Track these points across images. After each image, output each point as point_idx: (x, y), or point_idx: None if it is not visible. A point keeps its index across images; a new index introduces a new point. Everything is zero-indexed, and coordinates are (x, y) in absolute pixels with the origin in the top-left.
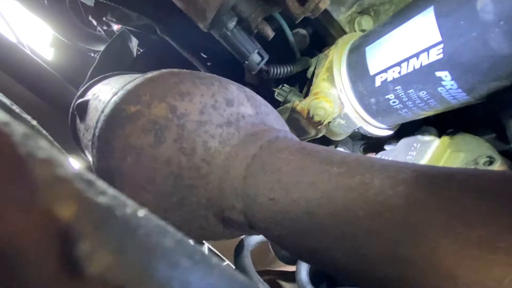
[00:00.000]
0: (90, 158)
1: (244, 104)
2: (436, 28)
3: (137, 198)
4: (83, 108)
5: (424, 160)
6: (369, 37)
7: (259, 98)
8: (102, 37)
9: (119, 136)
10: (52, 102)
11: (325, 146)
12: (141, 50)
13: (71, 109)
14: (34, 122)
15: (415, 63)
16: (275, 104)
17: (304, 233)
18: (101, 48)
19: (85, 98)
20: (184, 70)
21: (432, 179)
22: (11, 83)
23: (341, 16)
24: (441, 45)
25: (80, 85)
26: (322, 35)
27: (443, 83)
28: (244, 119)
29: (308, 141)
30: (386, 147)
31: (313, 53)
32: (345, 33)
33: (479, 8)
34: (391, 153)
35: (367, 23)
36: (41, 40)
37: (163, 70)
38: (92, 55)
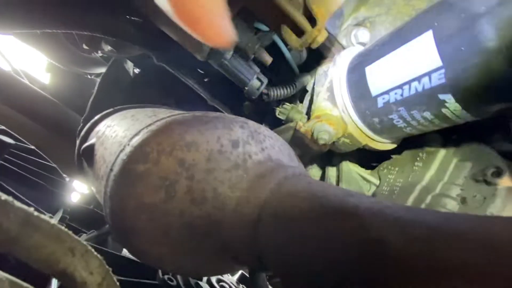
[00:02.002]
0: (104, 207)
1: (249, 142)
2: (436, 52)
3: (154, 252)
4: (89, 154)
5: (431, 171)
6: (368, 56)
7: (262, 130)
8: (97, 60)
9: (131, 196)
10: (53, 127)
11: (335, 187)
12: (137, 71)
13: (76, 151)
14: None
15: (417, 86)
16: (278, 121)
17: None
18: (97, 70)
19: (90, 142)
20: (187, 115)
21: (447, 237)
22: (12, 113)
23: (337, 30)
24: (443, 70)
25: (78, 107)
26: (319, 49)
27: (447, 105)
28: (251, 159)
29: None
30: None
31: (311, 66)
32: (342, 46)
33: (480, 35)
34: (397, 162)
35: (364, 35)
36: (36, 66)
37: (167, 120)
38: (89, 77)
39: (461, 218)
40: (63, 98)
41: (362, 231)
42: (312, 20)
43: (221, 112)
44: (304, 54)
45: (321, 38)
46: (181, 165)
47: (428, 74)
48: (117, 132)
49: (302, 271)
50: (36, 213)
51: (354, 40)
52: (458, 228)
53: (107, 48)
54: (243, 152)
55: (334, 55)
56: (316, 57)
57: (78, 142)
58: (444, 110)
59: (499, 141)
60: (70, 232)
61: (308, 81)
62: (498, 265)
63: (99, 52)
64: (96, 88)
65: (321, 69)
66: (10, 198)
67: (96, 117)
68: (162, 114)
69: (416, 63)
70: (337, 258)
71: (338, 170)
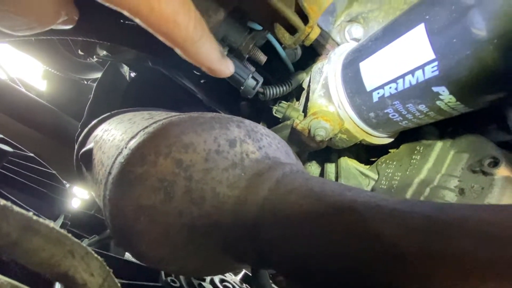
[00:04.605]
0: (103, 210)
1: (246, 141)
2: (429, 45)
3: (155, 254)
4: (87, 158)
5: (429, 164)
6: (362, 52)
7: (259, 129)
8: (93, 65)
9: (130, 198)
10: (51, 134)
11: (333, 182)
12: (133, 74)
13: (75, 156)
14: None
15: (411, 79)
16: (275, 120)
17: (319, 285)
18: (93, 75)
19: (88, 146)
20: (184, 116)
21: (443, 227)
22: (9, 121)
23: (330, 26)
24: (436, 63)
25: (76, 112)
26: (313, 46)
27: (441, 97)
28: (248, 157)
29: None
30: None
31: (306, 63)
32: (336, 42)
33: (471, 27)
34: (395, 157)
35: (357, 31)
36: (33, 73)
37: (164, 121)
38: (85, 83)
39: (457, 207)
40: (60, 104)
41: (360, 224)
42: (305, 18)
43: (218, 112)
44: (299, 52)
45: (313, 35)
46: (179, 166)
47: (422, 67)
48: (114, 136)
49: (304, 267)
50: (35, 217)
51: (348, 36)
52: (455, 218)
53: (102, 53)
54: (241, 151)
55: (329, 52)
56: (311, 54)
57: (76, 147)
58: (438, 103)
59: (495, 131)
60: (70, 235)
61: (304, 78)
62: (496, 253)
63: (95, 57)
64: (92, 93)
65: (316, 66)
66: (9, 204)
67: (94, 122)
68: (159, 116)
69: (409, 56)
70: (337, 252)
71: (336, 166)
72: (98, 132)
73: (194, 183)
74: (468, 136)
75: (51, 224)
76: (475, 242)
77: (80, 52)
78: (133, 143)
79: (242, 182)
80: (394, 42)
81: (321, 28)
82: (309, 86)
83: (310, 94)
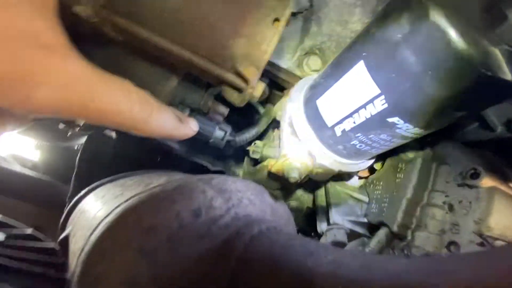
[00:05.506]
0: None
1: (213, 206)
2: (372, 81)
3: None
4: (65, 246)
5: (413, 182)
6: (317, 89)
7: (229, 185)
8: (79, 133)
9: None
10: (46, 205)
11: (299, 243)
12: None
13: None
14: None
15: (365, 113)
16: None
17: None
18: (82, 141)
19: (64, 233)
20: (144, 195)
21: None
22: (3, 199)
23: (288, 63)
24: (382, 96)
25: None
26: (278, 82)
27: (398, 126)
28: (215, 224)
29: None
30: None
31: (276, 97)
32: (298, 76)
33: (404, 61)
34: (381, 176)
35: (315, 62)
36: (26, 146)
37: (123, 208)
38: (76, 148)
39: (416, 271)
40: (56, 170)
41: None
42: (245, 78)
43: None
44: (266, 91)
45: (257, 92)
46: (141, 253)
47: (371, 101)
48: (84, 223)
49: None
50: None
51: (308, 69)
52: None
53: (82, 123)
54: (207, 219)
55: (290, 89)
56: (279, 87)
57: (58, 229)
58: (398, 131)
59: (476, 130)
60: None
61: (276, 112)
62: None
63: (76, 128)
64: (76, 164)
65: (281, 103)
66: None
67: (73, 200)
68: (128, 193)
69: (358, 92)
70: None
71: (326, 193)
72: (76, 213)
73: (161, 268)
74: (447, 146)
75: None
76: None
77: (60, 126)
78: (93, 237)
79: (210, 254)
80: (341, 79)
81: (279, 66)
82: (279, 123)
83: (281, 132)
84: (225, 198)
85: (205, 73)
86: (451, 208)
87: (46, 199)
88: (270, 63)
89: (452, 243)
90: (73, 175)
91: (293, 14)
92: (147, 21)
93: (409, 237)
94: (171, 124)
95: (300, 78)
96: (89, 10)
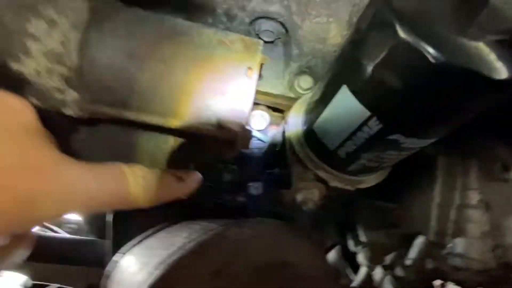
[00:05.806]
0: None
1: None
2: (359, 104)
3: None
4: None
5: (438, 183)
6: (311, 115)
7: None
8: None
9: None
10: (93, 263)
11: None
12: None
13: None
14: None
15: (363, 135)
16: None
17: None
18: None
19: None
20: (177, 259)
21: None
22: (52, 267)
23: (280, 88)
24: (375, 117)
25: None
26: (278, 108)
27: (401, 141)
28: None
29: None
30: None
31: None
32: (292, 99)
33: (382, 81)
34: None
35: (306, 81)
36: None
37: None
38: None
39: None
40: (99, 228)
41: None
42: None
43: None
44: (267, 118)
45: (246, 143)
46: None
47: (365, 123)
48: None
49: None
50: None
51: (300, 89)
52: None
53: None
54: None
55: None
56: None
57: None
58: (403, 145)
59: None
60: None
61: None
62: None
63: None
64: (112, 224)
65: (281, 129)
66: None
67: (112, 260)
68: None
69: (349, 115)
70: None
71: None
72: (118, 273)
73: None
74: (467, 139)
75: None
76: None
77: None
78: None
79: None
80: (331, 103)
81: (273, 93)
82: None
83: (288, 161)
84: None
85: (195, 136)
86: (487, 206)
87: (91, 258)
88: (264, 93)
89: (497, 246)
90: (112, 235)
91: (271, 42)
92: (130, 102)
93: (449, 244)
94: (171, 189)
95: (295, 100)
96: (77, 109)
